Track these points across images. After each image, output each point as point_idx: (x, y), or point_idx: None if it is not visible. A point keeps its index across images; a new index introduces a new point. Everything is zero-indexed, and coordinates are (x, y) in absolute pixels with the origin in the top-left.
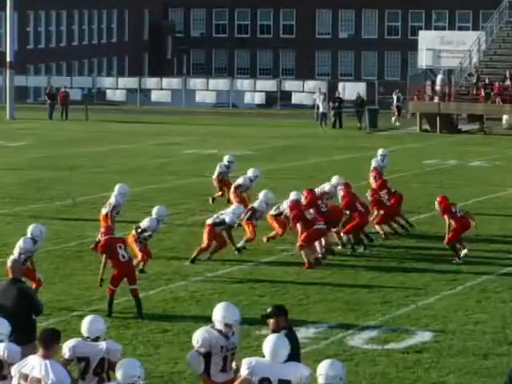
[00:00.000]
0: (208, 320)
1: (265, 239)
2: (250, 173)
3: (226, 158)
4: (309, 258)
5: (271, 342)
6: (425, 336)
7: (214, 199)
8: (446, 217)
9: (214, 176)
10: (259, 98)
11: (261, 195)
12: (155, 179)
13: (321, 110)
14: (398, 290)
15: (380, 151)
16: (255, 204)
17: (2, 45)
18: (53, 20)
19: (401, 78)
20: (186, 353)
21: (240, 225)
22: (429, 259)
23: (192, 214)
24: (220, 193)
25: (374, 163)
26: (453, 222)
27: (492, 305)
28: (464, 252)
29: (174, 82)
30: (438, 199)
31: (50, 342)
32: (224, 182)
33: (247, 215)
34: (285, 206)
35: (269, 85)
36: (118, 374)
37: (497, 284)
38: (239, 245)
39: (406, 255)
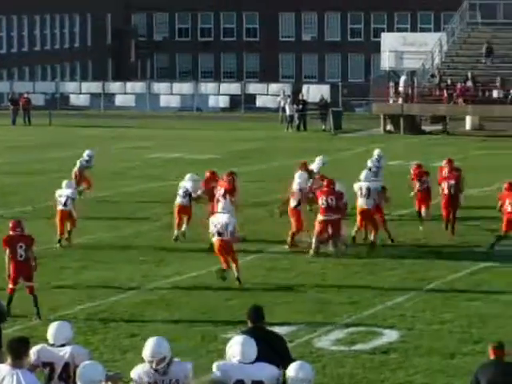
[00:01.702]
0: (177, 323)
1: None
2: (319, 160)
3: (86, 153)
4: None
5: (239, 343)
6: (392, 336)
7: (80, 192)
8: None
9: (75, 169)
10: (223, 102)
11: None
12: (120, 183)
13: (287, 112)
14: (366, 290)
15: (376, 151)
16: None
17: None
18: (14, 25)
19: (364, 80)
20: None
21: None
22: (396, 259)
23: (158, 218)
24: (85, 185)
25: (369, 163)
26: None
27: (458, 304)
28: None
29: (137, 86)
30: (414, 167)
31: (19, 350)
32: (82, 176)
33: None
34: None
35: (233, 88)
36: (78, 379)
37: (463, 283)
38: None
39: (374, 255)
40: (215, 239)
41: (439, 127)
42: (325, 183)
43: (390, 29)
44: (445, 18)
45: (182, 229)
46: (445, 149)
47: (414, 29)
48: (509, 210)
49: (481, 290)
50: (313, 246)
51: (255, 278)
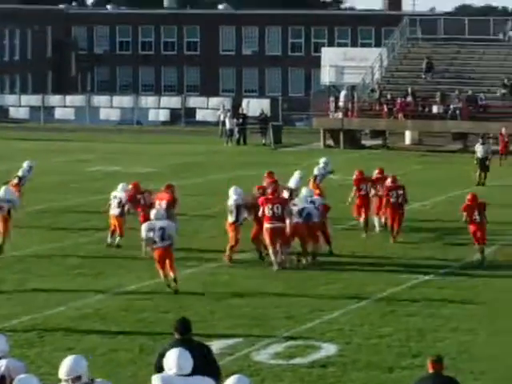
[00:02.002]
0: (114, 335)
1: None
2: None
3: (26, 164)
4: None
5: (175, 355)
6: (330, 350)
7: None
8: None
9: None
10: (164, 115)
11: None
12: (59, 197)
13: (227, 126)
14: (304, 304)
15: (322, 159)
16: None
17: None
18: None
19: (304, 95)
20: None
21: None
22: (334, 273)
23: (96, 231)
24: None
25: (315, 171)
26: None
27: (396, 318)
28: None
29: (77, 100)
30: (356, 173)
31: None
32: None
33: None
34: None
35: (173, 102)
36: None
37: (401, 298)
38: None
39: (311, 270)
40: (155, 248)
41: (379, 142)
42: (269, 191)
43: (331, 44)
44: (385, 33)
45: (116, 240)
46: (384, 164)
47: (354, 44)
48: (478, 220)
49: (419, 304)
50: (274, 262)
51: (193, 291)
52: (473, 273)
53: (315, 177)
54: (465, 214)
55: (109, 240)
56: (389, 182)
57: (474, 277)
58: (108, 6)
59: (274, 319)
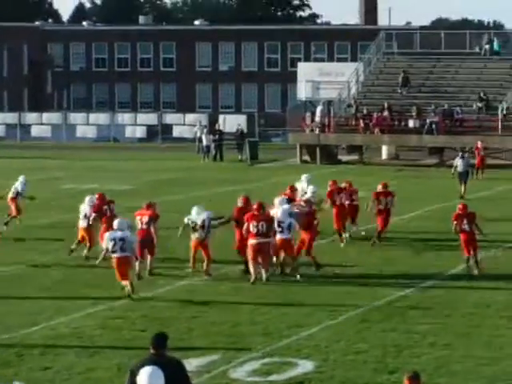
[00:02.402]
0: (91, 354)
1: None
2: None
3: (21, 178)
4: None
5: (147, 374)
6: (307, 367)
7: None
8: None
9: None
10: (140, 132)
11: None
12: (35, 214)
13: (204, 142)
14: (280, 321)
15: (303, 176)
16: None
17: None
18: None
19: (281, 110)
20: None
21: None
22: (310, 289)
23: (70, 250)
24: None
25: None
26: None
27: (372, 334)
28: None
29: (54, 117)
30: (330, 183)
31: None
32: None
33: None
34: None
35: (150, 118)
36: None
37: (377, 314)
38: None
39: (288, 286)
40: (114, 258)
41: (356, 157)
42: (255, 207)
43: (307, 59)
44: (361, 47)
45: (84, 252)
46: (361, 178)
47: (330, 59)
48: (467, 229)
49: (396, 320)
50: (252, 276)
51: (171, 309)
52: (449, 287)
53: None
54: (455, 223)
55: (72, 246)
56: (380, 188)
57: (450, 291)
58: (84, 23)
59: (251, 336)
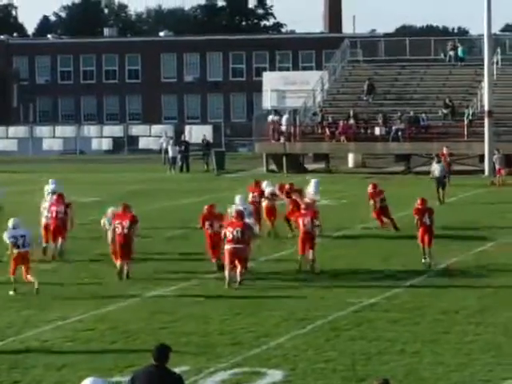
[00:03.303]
0: (60, 368)
1: None
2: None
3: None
4: None
5: None
6: (276, 376)
7: None
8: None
9: None
10: (106, 144)
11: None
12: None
13: (170, 154)
14: (249, 331)
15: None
16: None
17: None
18: None
19: (247, 120)
20: None
21: None
22: (278, 298)
23: (40, 263)
24: None
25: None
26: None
27: (341, 342)
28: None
29: (20, 131)
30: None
31: None
32: None
33: None
34: None
35: (116, 130)
36: None
37: (345, 322)
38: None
39: (255, 296)
40: (16, 253)
41: (322, 165)
42: (234, 214)
43: (272, 68)
44: (326, 56)
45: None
46: (328, 186)
47: (295, 67)
48: (427, 223)
49: (364, 327)
50: (226, 279)
51: (140, 320)
52: (417, 294)
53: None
54: (416, 217)
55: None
56: (370, 188)
57: (418, 298)
58: (49, 36)
59: (220, 346)
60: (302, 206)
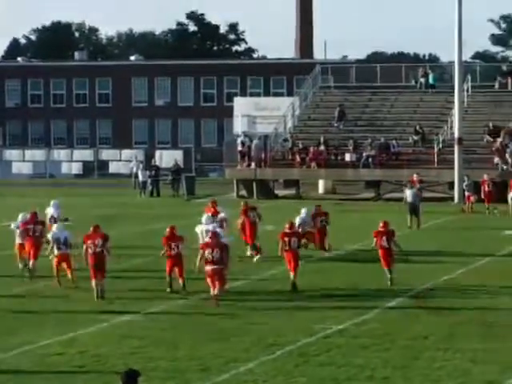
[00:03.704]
0: None
1: None
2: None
3: None
4: None
5: None
6: None
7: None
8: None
9: None
10: (76, 168)
11: None
12: None
13: (140, 178)
14: (218, 356)
15: (303, 210)
16: None
17: None
18: None
19: (217, 145)
20: None
21: None
22: (247, 324)
23: (7, 287)
24: None
25: (298, 220)
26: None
27: (310, 368)
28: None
29: None
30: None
31: None
32: None
33: None
34: None
35: (86, 154)
36: None
37: (314, 348)
38: None
39: (224, 321)
40: None
41: (292, 191)
42: (210, 235)
43: (243, 93)
44: (297, 82)
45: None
46: (298, 214)
47: (266, 93)
48: (385, 245)
49: (333, 353)
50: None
51: (108, 345)
52: (386, 320)
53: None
54: (375, 239)
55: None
56: (313, 210)
57: (387, 324)
58: (19, 59)
59: (189, 371)
60: (287, 226)
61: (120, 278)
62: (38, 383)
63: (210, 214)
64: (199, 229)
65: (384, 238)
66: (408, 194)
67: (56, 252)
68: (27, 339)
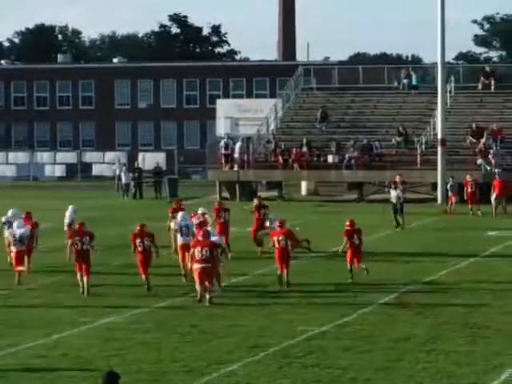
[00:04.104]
0: None
1: None
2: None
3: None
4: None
5: None
6: None
7: None
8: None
9: None
10: (60, 170)
11: None
12: None
13: (123, 180)
14: (201, 358)
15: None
16: None
17: None
18: None
19: (200, 147)
20: None
21: None
22: (229, 326)
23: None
24: None
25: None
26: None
27: (293, 370)
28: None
29: None
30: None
31: None
32: None
33: None
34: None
35: (69, 157)
36: None
37: (297, 350)
38: None
39: (207, 323)
40: None
41: (275, 193)
42: (200, 233)
43: (226, 95)
44: (280, 83)
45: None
46: (281, 214)
47: (249, 95)
48: (356, 243)
49: (316, 355)
50: (198, 294)
51: (91, 347)
52: (369, 322)
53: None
54: (345, 238)
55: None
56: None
57: (369, 326)
58: (2, 62)
59: (172, 373)
60: (277, 224)
61: (103, 279)
62: None
63: (185, 212)
64: (173, 225)
65: (355, 236)
66: (392, 194)
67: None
68: (11, 342)
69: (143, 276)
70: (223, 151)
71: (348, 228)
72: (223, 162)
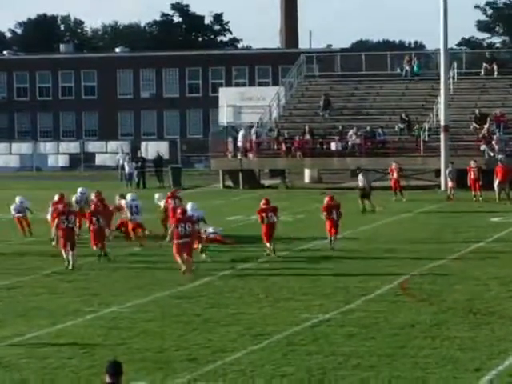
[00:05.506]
0: None
1: None
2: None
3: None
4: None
5: None
6: None
7: None
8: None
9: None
10: (63, 161)
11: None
12: None
13: (127, 170)
14: (205, 346)
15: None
16: None
17: None
18: None
19: (203, 136)
20: None
21: None
22: (234, 314)
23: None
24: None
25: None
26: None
27: (298, 357)
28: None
29: None
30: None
31: None
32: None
33: None
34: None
35: (72, 147)
36: None
37: (301, 337)
38: None
39: (211, 312)
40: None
41: (278, 181)
42: (179, 211)
43: (228, 83)
44: (283, 71)
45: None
46: (284, 203)
47: (252, 83)
48: (334, 217)
49: (320, 342)
50: (181, 267)
51: (96, 336)
52: (373, 309)
53: None
54: (324, 213)
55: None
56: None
57: (374, 313)
58: (5, 52)
59: (176, 362)
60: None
61: (105, 269)
62: (28, 374)
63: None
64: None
65: (334, 210)
66: (359, 179)
67: None
68: (15, 332)
69: (98, 246)
70: (228, 140)
71: (328, 203)
72: (227, 150)
